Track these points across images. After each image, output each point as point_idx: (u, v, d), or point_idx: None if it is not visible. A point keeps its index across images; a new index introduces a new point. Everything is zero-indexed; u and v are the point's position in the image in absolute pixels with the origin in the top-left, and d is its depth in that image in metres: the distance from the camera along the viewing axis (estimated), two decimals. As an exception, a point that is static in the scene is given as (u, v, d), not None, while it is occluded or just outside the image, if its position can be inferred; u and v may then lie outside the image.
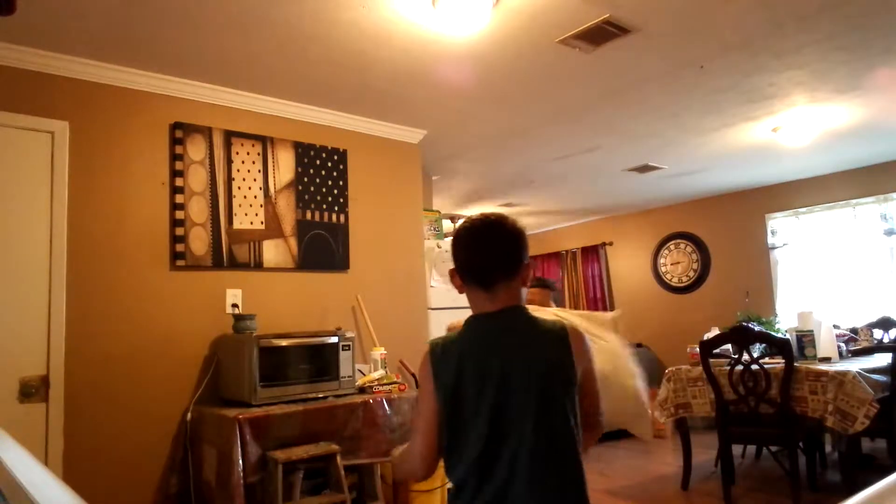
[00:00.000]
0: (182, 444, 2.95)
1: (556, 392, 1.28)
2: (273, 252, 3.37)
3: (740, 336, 3.81)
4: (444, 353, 1.34)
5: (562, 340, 1.32)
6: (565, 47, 2.94)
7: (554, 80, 3.39)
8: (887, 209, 5.61)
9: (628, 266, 7.70)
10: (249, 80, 3.19)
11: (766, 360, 3.85)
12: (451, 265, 1.41)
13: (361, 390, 3.16)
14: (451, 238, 1.42)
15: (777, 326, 4.79)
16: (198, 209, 3.14)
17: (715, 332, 4.32)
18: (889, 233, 5.58)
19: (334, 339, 3.09)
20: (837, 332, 4.30)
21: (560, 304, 2.40)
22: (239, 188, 3.29)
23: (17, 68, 2.73)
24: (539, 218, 7.81)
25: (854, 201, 5.79)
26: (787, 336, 3.93)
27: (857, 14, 2.75)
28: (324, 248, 3.59)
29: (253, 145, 3.37)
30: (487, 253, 1.35)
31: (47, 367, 2.67)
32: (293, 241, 3.46)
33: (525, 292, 1.41)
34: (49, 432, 2.64)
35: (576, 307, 8.01)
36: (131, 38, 2.69)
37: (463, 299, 1.41)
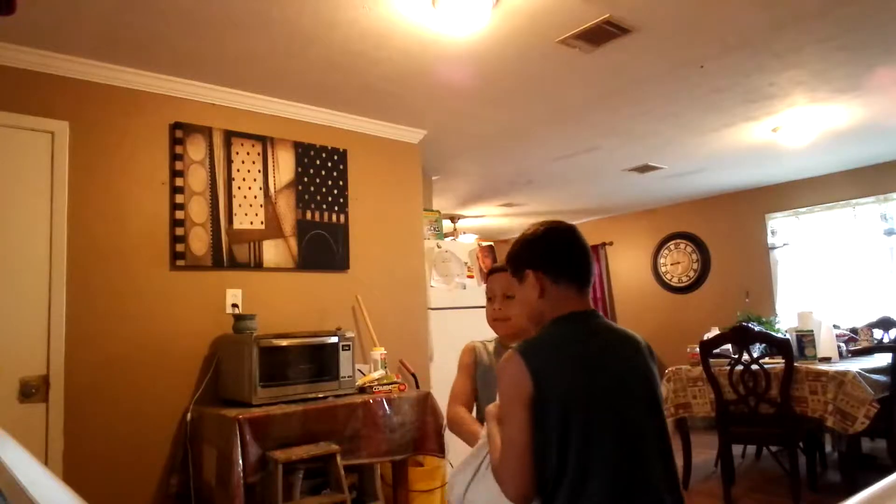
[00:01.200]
0: (182, 444, 2.95)
1: (660, 403, 1.31)
2: (273, 252, 3.37)
3: (740, 336, 3.81)
4: (548, 352, 1.24)
5: (649, 350, 1.37)
6: (565, 47, 2.94)
7: (554, 80, 3.39)
8: (887, 209, 5.61)
9: (628, 266, 7.70)
10: (249, 80, 3.19)
11: (766, 360, 3.85)
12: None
13: (361, 390, 3.16)
14: (542, 240, 1.39)
15: (777, 326, 4.80)
16: (198, 209, 3.14)
17: (715, 332, 4.33)
18: (889, 233, 5.58)
19: (334, 339, 3.09)
20: (837, 332, 4.30)
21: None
22: (239, 188, 3.29)
23: (17, 68, 2.73)
24: (539, 218, 7.75)
25: (854, 201, 5.79)
26: (787, 336, 3.94)
27: (857, 14, 2.75)
28: (324, 248, 3.59)
29: (253, 145, 3.37)
30: (588, 253, 1.40)
31: (47, 367, 2.67)
32: (293, 241, 3.46)
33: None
34: (49, 432, 2.64)
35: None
36: (131, 38, 2.68)
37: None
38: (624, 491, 1.17)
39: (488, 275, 1.99)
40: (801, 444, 3.93)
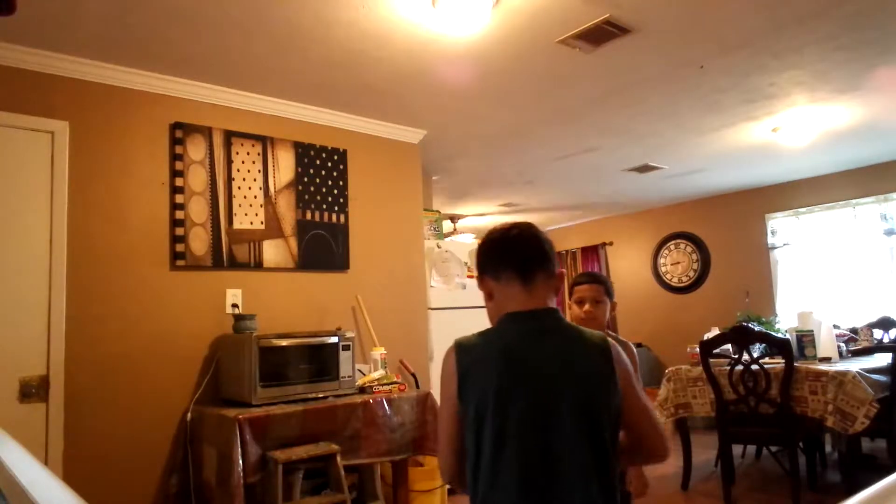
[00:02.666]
0: (182, 444, 2.95)
1: (601, 407, 1.20)
2: (273, 252, 3.37)
3: (740, 336, 3.81)
4: (478, 351, 1.24)
5: (604, 352, 1.24)
6: (565, 47, 2.94)
7: (554, 80, 3.39)
8: (887, 209, 5.61)
9: (628, 266, 7.70)
10: (249, 80, 3.19)
11: (766, 360, 3.85)
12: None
13: (361, 390, 3.16)
14: (481, 243, 1.38)
15: (777, 326, 4.80)
16: (198, 209, 3.14)
17: (715, 332, 4.33)
18: (889, 233, 5.58)
19: (334, 339, 3.09)
20: (837, 332, 4.30)
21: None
22: (239, 188, 3.29)
23: (17, 68, 2.73)
24: (539, 218, 7.81)
25: (854, 201, 5.79)
26: (787, 336, 3.93)
27: (857, 14, 2.75)
28: (324, 248, 3.59)
29: (253, 145, 3.37)
30: (527, 243, 1.31)
31: (47, 367, 2.67)
32: (293, 241, 3.46)
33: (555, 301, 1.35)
34: (49, 432, 2.64)
35: (576, 307, 8.01)
36: (131, 38, 2.69)
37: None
38: (530, 500, 1.16)
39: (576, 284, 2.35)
40: (801, 444, 3.93)
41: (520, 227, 1.34)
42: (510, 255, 1.31)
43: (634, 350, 2.18)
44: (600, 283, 2.28)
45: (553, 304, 1.32)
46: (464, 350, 1.26)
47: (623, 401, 1.25)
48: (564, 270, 1.66)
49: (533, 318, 1.27)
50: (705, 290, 6.88)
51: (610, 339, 1.27)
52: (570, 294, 2.41)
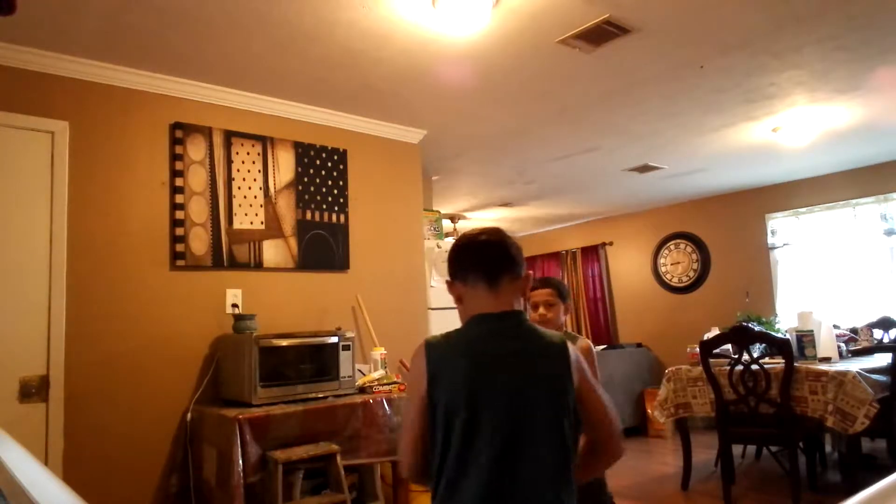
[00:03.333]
0: (182, 444, 2.95)
1: (560, 409, 1.24)
2: (273, 252, 3.37)
3: (740, 336, 3.81)
4: (447, 351, 1.28)
5: (562, 353, 1.28)
6: (565, 47, 2.94)
7: (554, 80, 3.39)
8: (887, 209, 5.61)
9: (628, 266, 7.70)
10: (249, 80, 3.19)
11: (766, 360, 3.85)
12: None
13: (361, 390, 3.16)
14: (451, 249, 1.42)
15: (777, 326, 4.80)
16: (198, 209, 3.14)
17: (715, 332, 4.33)
18: (889, 233, 5.58)
19: (334, 339, 3.09)
20: (837, 332, 4.30)
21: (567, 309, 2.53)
22: (239, 188, 3.29)
23: (17, 68, 2.73)
24: (539, 218, 7.81)
25: (854, 201, 5.79)
26: (787, 336, 3.93)
27: (857, 14, 2.75)
28: (324, 248, 3.59)
29: (253, 145, 3.37)
30: (493, 249, 1.36)
31: (47, 367, 2.67)
32: (293, 241, 3.46)
33: (527, 305, 1.40)
34: (49, 432, 2.64)
35: (576, 307, 8.01)
36: (131, 38, 2.69)
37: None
38: (494, 496, 1.20)
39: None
40: (801, 444, 3.93)
41: (488, 233, 1.39)
42: (478, 261, 1.35)
43: (592, 347, 2.37)
44: (552, 287, 2.45)
45: (519, 306, 1.36)
46: (433, 349, 1.29)
47: (585, 401, 1.30)
48: (532, 273, 1.74)
49: (499, 320, 1.30)
50: (705, 290, 6.88)
51: (570, 336, 1.32)
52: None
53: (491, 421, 1.21)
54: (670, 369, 4.30)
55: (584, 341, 2.42)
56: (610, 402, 1.36)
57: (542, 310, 2.41)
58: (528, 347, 1.29)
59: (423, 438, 1.28)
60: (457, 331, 1.34)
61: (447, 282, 1.41)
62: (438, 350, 1.29)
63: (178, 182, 3.09)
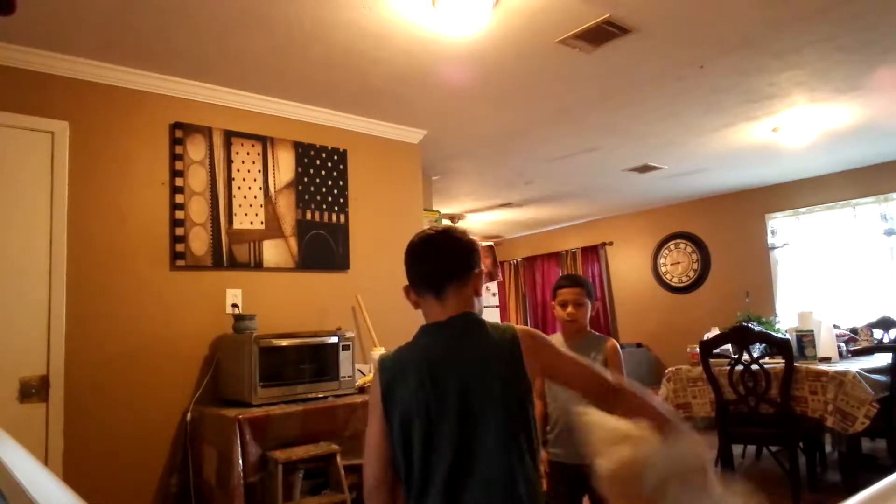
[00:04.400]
0: (182, 444, 2.95)
1: (518, 402, 1.25)
2: (273, 252, 3.37)
3: (740, 336, 3.81)
4: (399, 367, 1.31)
5: (512, 347, 1.27)
6: (565, 47, 2.94)
7: (554, 80, 3.39)
8: (887, 209, 5.61)
9: (628, 266, 7.70)
10: (249, 80, 3.19)
11: (766, 360, 3.85)
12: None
13: (361, 390, 3.16)
14: (404, 254, 1.42)
15: (777, 326, 4.79)
16: (198, 209, 3.14)
17: (715, 332, 4.32)
18: (889, 233, 5.58)
19: (334, 339, 3.09)
20: (837, 332, 4.30)
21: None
22: (239, 188, 3.29)
23: (17, 68, 2.73)
24: (539, 218, 7.81)
25: (854, 201, 5.79)
26: (787, 336, 3.93)
27: (856, 14, 2.75)
28: (324, 248, 3.59)
29: (253, 145, 3.37)
30: (437, 258, 1.36)
31: (47, 367, 2.67)
32: (293, 241, 3.46)
33: (479, 302, 1.38)
34: (49, 432, 2.64)
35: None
36: (131, 38, 2.68)
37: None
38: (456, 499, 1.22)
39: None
40: (801, 444, 3.92)
41: (427, 241, 1.38)
42: (422, 272, 1.37)
43: (618, 348, 2.41)
44: (581, 286, 2.45)
45: (472, 306, 1.35)
46: (385, 365, 1.34)
47: (560, 374, 1.35)
48: (483, 269, 1.69)
49: (445, 328, 1.32)
50: (705, 290, 6.88)
51: (520, 327, 1.32)
52: (554, 296, 2.50)
53: (449, 426, 1.23)
54: (670, 369, 4.30)
55: (611, 341, 2.43)
56: (589, 362, 1.36)
57: (570, 308, 2.42)
58: (475, 349, 1.29)
59: (388, 453, 1.30)
60: (408, 343, 1.36)
61: (404, 288, 1.41)
62: (391, 364, 1.33)
63: (178, 182, 3.09)
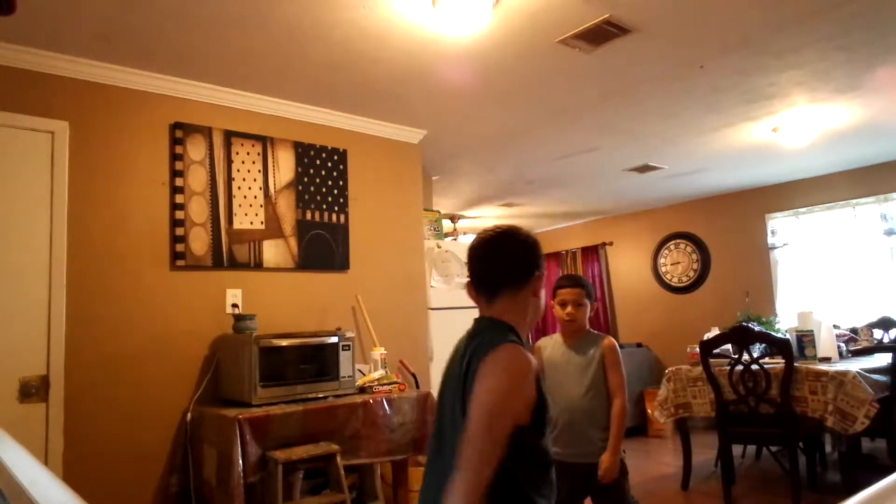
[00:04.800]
0: (182, 444, 2.95)
1: (458, 416, 1.23)
2: (273, 252, 3.37)
3: (740, 336, 3.81)
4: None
5: (470, 361, 1.23)
6: (565, 47, 2.94)
7: (554, 80, 3.39)
8: (887, 209, 5.61)
9: (628, 266, 7.70)
10: (249, 80, 3.19)
11: (766, 360, 3.85)
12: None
13: (361, 390, 3.16)
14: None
15: (777, 326, 4.80)
16: (198, 209, 3.14)
17: (715, 332, 4.33)
18: (889, 233, 5.58)
19: (334, 339, 3.09)
20: (837, 332, 4.30)
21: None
22: (239, 188, 3.29)
23: (17, 68, 2.73)
24: (539, 218, 7.81)
25: (854, 201, 5.79)
26: (787, 336, 3.93)
27: (856, 14, 2.75)
28: (324, 248, 3.59)
29: (253, 145, 3.37)
30: (475, 257, 1.38)
31: (47, 367, 2.67)
32: (293, 241, 3.46)
33: (539, 302, 1.37)
34: (49, 432, 2.64)
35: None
36: (131, 38, 2.68)
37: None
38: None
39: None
40: (801, 444, 3.93)
41: (477, 245, 1.39)
42: (472, 275, 1.40)
43: (616, 346, 2.44)
44: (581, 287, 2.46)
45: (519, 314, 1.33)
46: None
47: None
48: (541, 272, 1.67)
49: (473, 326, 1.37)
50: (705, 290, 6.88)
51: (502, 346, 1.21)
52: (553, 295, 2.50)
53: (438, 420, 1.35)
54: (670, 369, 4.30)
55: (608, 339, 2.46)
56: (480, 421, 1.13)
57: (570, 308, 2.43)
58: (467, 349, 1.29)
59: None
60: None
61: (466, 283, 1.44)
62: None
63: (178, 182, 3.09)
